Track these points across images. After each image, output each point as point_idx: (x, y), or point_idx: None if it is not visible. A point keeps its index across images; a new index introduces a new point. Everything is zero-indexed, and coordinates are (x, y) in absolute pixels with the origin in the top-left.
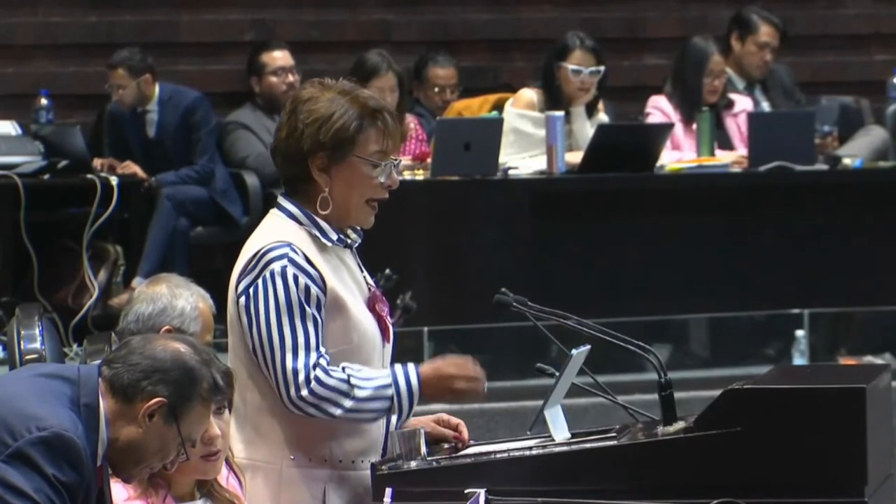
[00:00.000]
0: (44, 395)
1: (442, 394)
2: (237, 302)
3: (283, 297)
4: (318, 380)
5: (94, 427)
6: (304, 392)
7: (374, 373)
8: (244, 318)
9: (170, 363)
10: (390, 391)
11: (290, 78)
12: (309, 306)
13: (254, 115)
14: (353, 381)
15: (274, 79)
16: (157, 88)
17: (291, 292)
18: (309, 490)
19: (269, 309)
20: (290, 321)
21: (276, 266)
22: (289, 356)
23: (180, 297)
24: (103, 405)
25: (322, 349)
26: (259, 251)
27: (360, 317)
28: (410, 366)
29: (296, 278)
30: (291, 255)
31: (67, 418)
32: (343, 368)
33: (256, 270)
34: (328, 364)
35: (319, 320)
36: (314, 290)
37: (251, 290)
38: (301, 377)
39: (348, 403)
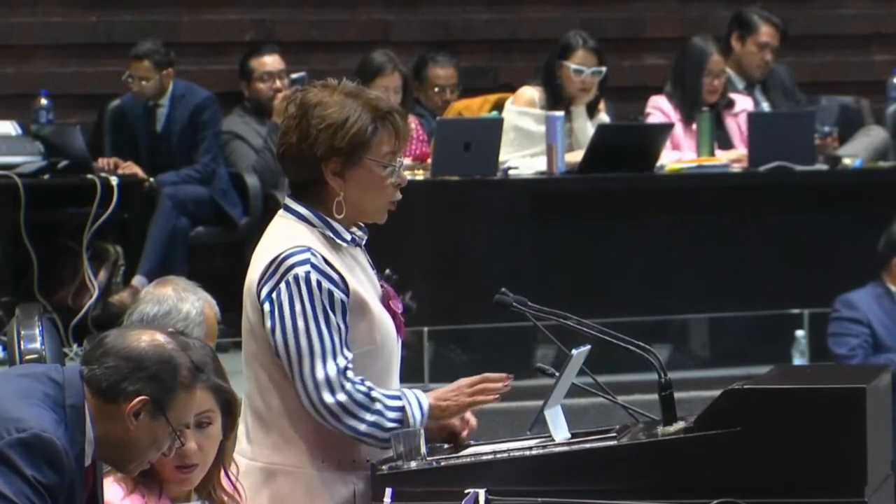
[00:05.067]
0: (26, 397)
1: (451, 407)
2: (261, 308)
3: (307, 302)
4: (347, 391)
5: (80, 428)
6: (332, 399)
7: (385, 389)
8: (268, 324)
9: (146, 358)
10: (401, 402)
11: (278, 83)
12: (333, 311)
13: (243, 122)
14: (373, 394)
15: (261, 84)
16: (171, 83)
17: (316, 298)
18: (340, 493)
19: (296, 314)
20: (316, 327)
21: (300, 271)
22: (318, 362)
23: (186, 300)
24: (87, 405)
25: (348, 355)
26: (278, 256)
27: (380, 316)
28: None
29: (319, 283)
30: (313, 259)
31: (49, 419)
32: (363, 381)
33: (278, 276)
34: (353, 371)
35: (343, 326)
36: (337, 294)
37: (274, 296)
38: (335, 382)
39: (370, 418)
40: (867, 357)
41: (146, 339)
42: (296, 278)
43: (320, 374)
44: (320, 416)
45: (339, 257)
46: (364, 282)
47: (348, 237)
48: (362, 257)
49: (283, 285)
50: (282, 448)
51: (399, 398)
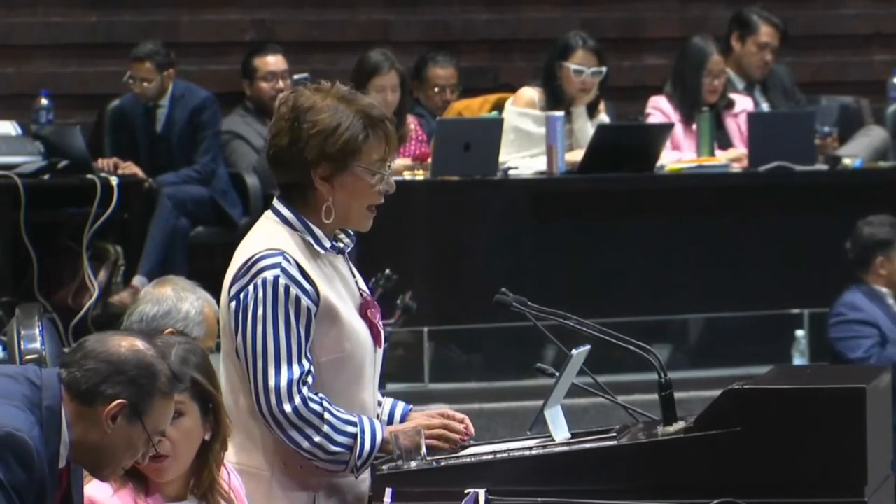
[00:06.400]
0: (2, 397)
1: (411, 438)
2: (228, 306)
3: (271, 307)
4: (296, 405)
5: (55, 429)
6: (278, 409)
7: (344, 411)
8: (233, 324)
9: (126, 363)
10: (355, 429)
11: (281, 83)
12: (297, 319)
13: (244, 121)
14: (326, 415)
15: (264, 84)
16: (171, 84)
17: (280, 303)
18: (299, 497)
19: (257, 317)
20: (274, 332)
21: (269, 275)
22: (272, 369)
23: (185, 300)
24: (64, 408)
25: (305, 365)
26: (252, 258)
27: (352, 325)
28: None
29: (287, 289)
30: (284, 264)
31: (23, 419)
32: (321, 398)
33: (248, 277)
34: (312, 383)
35: (305, 335)
36: (304, 301)
37: (241, 296)
38: (284, 392)
39: (316, 438)
40: (881, 358)
41: (126, 345)
42: (264, 282)
43: (272, 381)
44: (267, 422)
45: (316, 264)
46: (340, 291)
47: (328, 244)
48: (343, 265)
49: (250, 287)
50: (247, 448)
51: (354, 424)
